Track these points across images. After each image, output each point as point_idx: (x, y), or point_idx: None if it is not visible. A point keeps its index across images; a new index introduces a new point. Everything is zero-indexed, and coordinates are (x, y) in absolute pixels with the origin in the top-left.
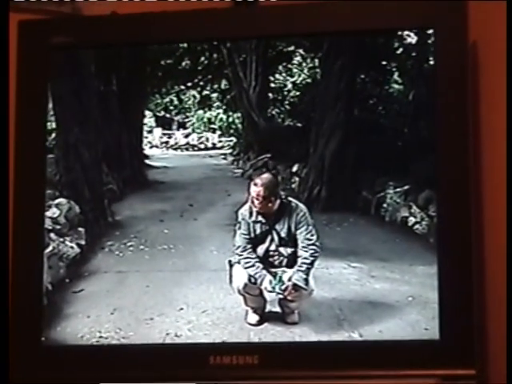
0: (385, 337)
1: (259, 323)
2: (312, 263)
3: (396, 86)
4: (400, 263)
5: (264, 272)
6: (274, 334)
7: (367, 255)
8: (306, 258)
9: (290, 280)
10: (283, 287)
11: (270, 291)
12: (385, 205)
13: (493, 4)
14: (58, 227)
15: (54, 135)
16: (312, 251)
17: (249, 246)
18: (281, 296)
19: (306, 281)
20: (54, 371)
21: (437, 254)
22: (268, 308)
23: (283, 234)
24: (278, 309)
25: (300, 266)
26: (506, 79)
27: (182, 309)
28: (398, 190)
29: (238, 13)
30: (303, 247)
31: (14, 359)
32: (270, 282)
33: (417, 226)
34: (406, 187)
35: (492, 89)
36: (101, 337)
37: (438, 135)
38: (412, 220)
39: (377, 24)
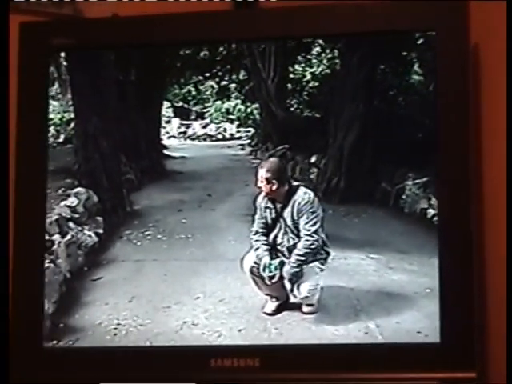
0: (402, 328)
1: (275, 313)
2: (305, 255)
3: (416, 77)
4: (419, 255)
5: (265, 254)
6: (290, 323)
7: (385, 247)
8: (299, 249)
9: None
10: (271, 275)
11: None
12: (404, 196)
13: (494, 6)
14: (77, 216)
15: (72, 125)
16: (308, 242)
17: (261, 230)
18: (268, 283)
19: (295, 275)
20: (53, 372)
21: (438, 258)
22: (292, 299)
23: (288, 222)
24: (297, 299)
25: (291, 257)
26: (507, 81)
27: (198, 298)
28: (418, 181)
29: (239, 14)
30: (301, 237)
31: (13, 360)
32: (264, 265)
33: (436, 218)
34: (425, 179)
35: (493, 90)
36: (118, 324)
37: (439, 137)
38: (431, 212)
39: (377, 26)
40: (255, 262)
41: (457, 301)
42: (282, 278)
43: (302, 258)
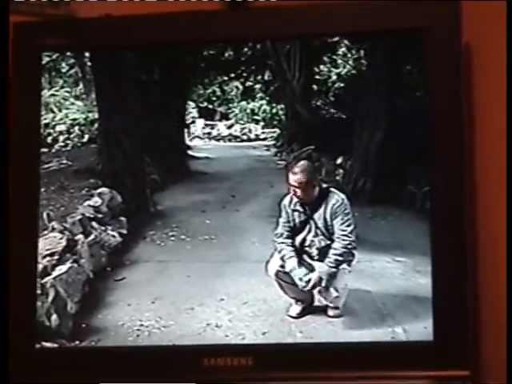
0: (430, 333)
1: (300, 316)
2: (342, 255)
3: None
4: None
5: (291, 254)
6: (315, 327)
7: (412, 249)
8: (336, 249)
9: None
10: (306, 278)
11: (300, 280)
12: None
13: (486, 5)
14: (100, 216)
15: (96, 125)
16: (344, 242)
17: (286, 233)
18: (305, 288)
19: (333, 276)
20: (47, 375)
21: (430, 258)
22: (316, 302)
23: (320, 224)
24: (322, 302)
25: (329, 258)
26: (506, 80)
27: (222, 299)
28: None
29: (232, 14)
30: (337, 238)
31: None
32: (294, 268)
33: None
34: None
35: (485, 89)
36: (141, 325)
37: (431, 138)
38: None
39: (368, 25)
40: (281, 266)
41: (450, 299)
42: (320, 279)
43: (340, 258)
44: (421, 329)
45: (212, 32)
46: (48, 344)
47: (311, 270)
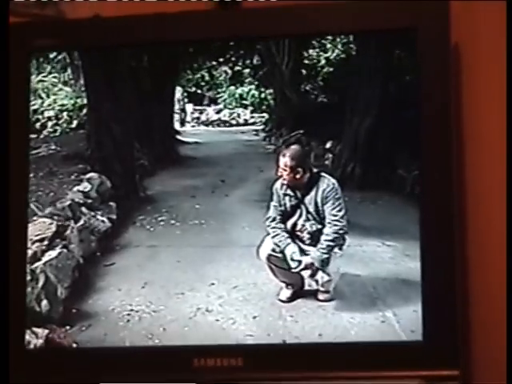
0: (419, 316)
1: (290, 300)
2: (334, 240)
3: None
4: None
5: (288, 240)
6: (305, 311)
7: (402, 234)
8: (327, 235)
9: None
10: (297, 259)
11: (292, 260)
12: None
13: (475, 5)
14: (90, 201)
15: (85, 111)
16: (336, 227)
17: (279, 217)
18: (296, 269)
19: (325, 261)
20: (36, 376)
21: (420, 254)
22: (306, 286)
23: (311, 209)
24: (313, 286)
25: (321, 244)
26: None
27: (213, 284)
28: None
29: (222, 15)
30: (328, 223)
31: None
32: (294, 253)
33: None
34: None
35: (474, 89)
36: (132, 310)
37: (421, 123)
38: None
39: (357, 25)
40: (273, 250)
41: (439, 298)
42: (312, 265)
43: (332, 244)
44: (410, 312)
45: (201, 32)
46: (39, 330)
47: (304, 254)
